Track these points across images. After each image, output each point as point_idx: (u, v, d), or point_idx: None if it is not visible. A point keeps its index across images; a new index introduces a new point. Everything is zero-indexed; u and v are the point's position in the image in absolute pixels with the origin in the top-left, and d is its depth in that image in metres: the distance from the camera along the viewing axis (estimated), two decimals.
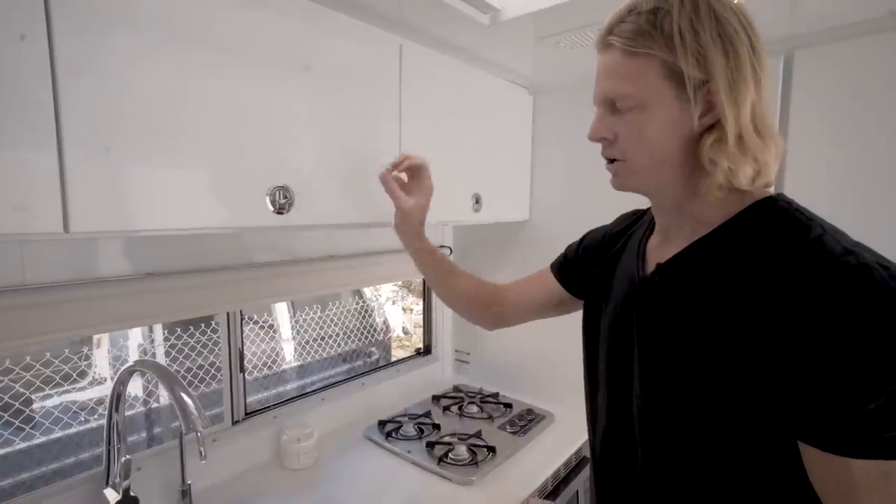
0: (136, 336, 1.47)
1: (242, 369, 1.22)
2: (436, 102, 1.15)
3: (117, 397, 0.88)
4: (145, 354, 1.45)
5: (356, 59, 0.95)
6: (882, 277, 0.43)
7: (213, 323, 1.59)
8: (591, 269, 0.77)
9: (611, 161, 0.60)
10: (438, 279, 1.02)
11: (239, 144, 0.79)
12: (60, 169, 0.60)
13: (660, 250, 0.62)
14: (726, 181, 0.52)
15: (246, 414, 1.23)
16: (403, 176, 0.98)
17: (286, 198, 0.86)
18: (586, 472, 1.37)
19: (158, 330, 1.48)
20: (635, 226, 0.73)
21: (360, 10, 0.95)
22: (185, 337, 1.53)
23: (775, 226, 0.51)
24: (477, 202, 1.32)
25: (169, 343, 1.50)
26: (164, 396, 1.47)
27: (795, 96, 1.07)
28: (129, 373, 0.88)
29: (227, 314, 1.17)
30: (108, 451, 0.90)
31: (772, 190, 0.56)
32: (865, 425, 0.42)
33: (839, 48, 1.02)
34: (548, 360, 1.59)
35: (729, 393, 0.50)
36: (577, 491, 1.32)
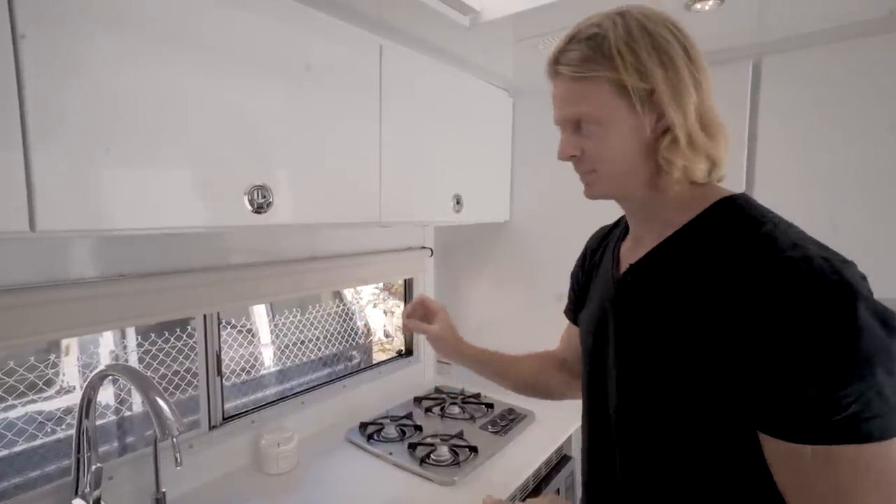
0: (107, 342, 1.42)
1: (220, 373, 1.19)
2: (416, 103, 1.15)
3: (87, 403, 0.85)
4: (118, 361, 1.41)
5: (336, 58, 0.95)
6: (821, 268, 0.45)
7: (188, 328, 1.55)
8: (580, 287, 0.81)
9: (582, 174, 0.64)
10: (501, 375, 0.98)
11: (216, 143, 0.78)
12: (27, 167, 0.58)
13: (632, 252, 0.66)
14: (683, 177, 0.56)
15: (224, 419, 1.21)
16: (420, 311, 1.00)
17: (264, 197, 0.85)
18: (567, 469, 1.38)
19: (132, 335, 1.44)
20: (610, 235, 0.76)
21: (341, 9, 0.94)
22: (160, 342, 1.49)
23: (732, 224, 0.55)
24: (458, 203, 1.32)
25: (143, 349, 1.46)
26: (137, 404, 1.43)
27: (763, 99, 1.11)
28: (101, 377, 0.85)
29: (205, 317, 1.15)
30: (78, 459, 0.87)
31: (735, 189, 0.59)
32: (810, 412, 0.44)
33: (805, 55, 1.06)
34: None
35: (694, 385, 0.53)
36: (559, 489, 1.33)
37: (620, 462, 0.64)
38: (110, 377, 0.97)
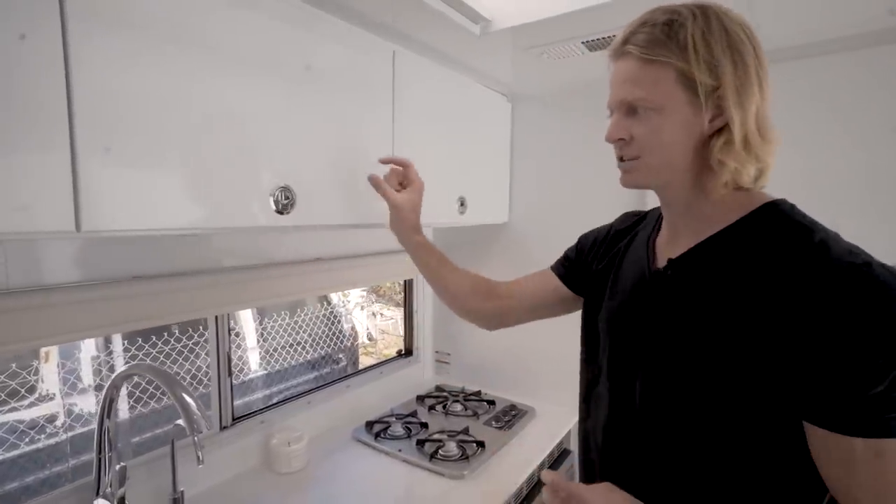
0: (89, 348, 1.40)
1: (230, 373, 1.20)
2: (425, 107, 1.18)
3: (109, 402, 0.85)
4: (101, 367, 1.39)
5: (352, 63, 0.98)
6: (883, 275, 0.49)
7: (175, 332, 1.54)
8: (594, 264, 0.80)
9: (623, 160, 0.63)
10: (438, 274, 1.01)
11: (235, 146, 0.79)
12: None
13: (670, 246, 0.66)
14: (732, 180, 0.57)
15: (233, 419, 1.21)
16: (394, 176, 1.00)
17: (287, 198, 0.87)
18: (568, 462, 1.43)
19: (118, 340, 1.42)
20: (640, 225, 0.77)
21: (357, 16, 0.97)
22: (147, 347, 1.48)
23: (782, 228, 0.56)
24: (462, 205, 1.36)
25: (129, 354, 1.44)
26: (123, 411, 1.41)
27: None
28: (124, 377, 0.86)
29: (216, 318, 1.15)
30: (99, 459, 0.87)
31: (773, 195, 0.61)
32: (868, 408, 0.47)
33: (794, 66, 1.13)
34: (526, 358, 1.65)
35: (739, 378, 0.54)
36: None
37: (650, 451, 0.63)
38: (133, 377, 0.96)
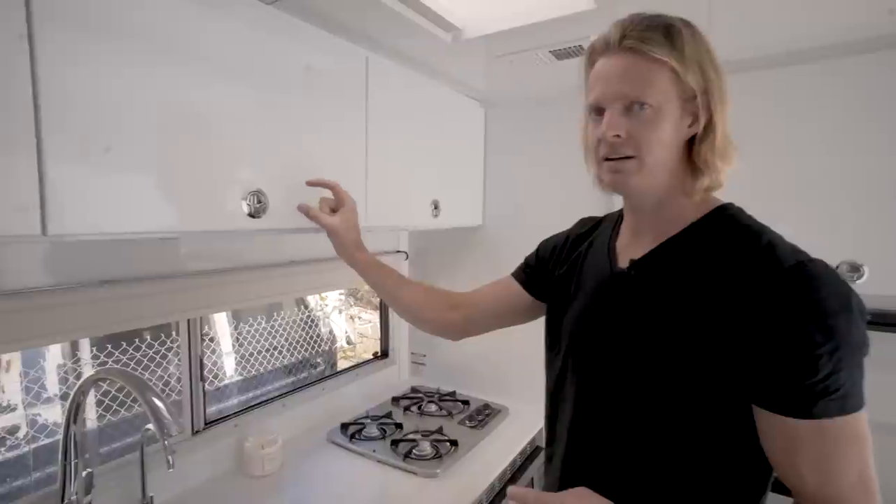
0: (55, 356, 1.36)
1: (202, 377, 1.19)
2: (398, 112, 1.20)
3: (76, 408, 0.84)
4: (67, 376, 1.35)
5: (326, 70, 0.99)
6: (823, 273, 0.54)
7: (147, 338, 1.51)
8: (555, 269, 0.83)
9: (613, 159, 0.62)
10: (391, 290, 1.00)
11: (206, 151, 0.80)
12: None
13: (630, 248, 0.70)
14: (713, 182, 0.61)
15: (206, 423, 1.20)
16: (325, 203, 0.98)
17: (260, 202, 0.87)
18: (540, 459, 1.46)
19: (86, 347, 1.39)
20: (598, 229, 0.81)
21: (331, 23, 0.99)
22: (118, 354, 1.45)
23: (734, 231, 0.61)
24: (436, 208, 1.38)
25: (98, 361, 1.41)
26: (90, 419, 1.38)
27: None
28: (92, 382, 0.85)
29: (188, 322, 1.15)
30: (65, 466, 0.85)
31: (721, 198, 0.66)
32: (810, 394, 0.52)
33: (750, 76, 1.19)
34: (500, 358, 1.68)
35: (699, 368, 0.58)
36: (533, 478, 1.41)
37: (617, 443, 0.66)
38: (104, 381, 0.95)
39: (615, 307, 0.68)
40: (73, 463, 0.85)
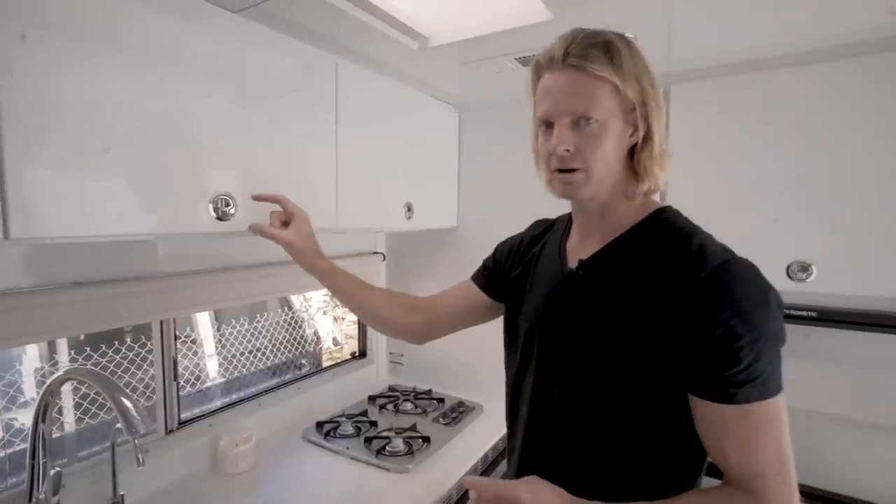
0: (32, 360, 1.36)
1: (176, 378, 1.21)
2: (369, 117, 1.23)
3: (45, 408, 0.86)
4: (45, 379, 1.35)
5: (293, 74, 1.02)
6: (748, 269, 0.59)
7: (127, 340, 1.52)
8: (511, 271, 0.87)
9: (566, 171, 0.66)
10: (354, 297, 1.00)
11: (174, 155, 0.82)
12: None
13: (579, 249, 0.74)
14: (652, 186, 0.66)
15: (180, 423, 1.22)
16: (276, 218, 0.98)
17: (228, 205, 0.90)
18: None
19: (64, 350, 1.39)
20: (550, 231, 0.85)
21: (300, 30, 1.01)
22: (96, 356, 1.45)
23: (670, 232, 0.67)
24: (409, 210, 1.41)
25: (77, 364, 1.41)
26: (68, 423, 1.38)
27: (673, 121, 1.29)
28: (61, 382, 0.86)
29: (161, 322, 1.16)
30: (33, 465, 0.86)
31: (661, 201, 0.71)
32: (735, 382, 0.57)
33: (707, 84, 1.25)
34: (475, 357, 1.70)
35: (639, 362, 0.63)
36: (503, 473, 1.44)
37: (568, 432, 0.70)
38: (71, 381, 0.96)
39: (565, 305, 0.72)
40: (41, 462, 0.87)
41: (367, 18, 0.96)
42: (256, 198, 0.94)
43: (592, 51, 0.63)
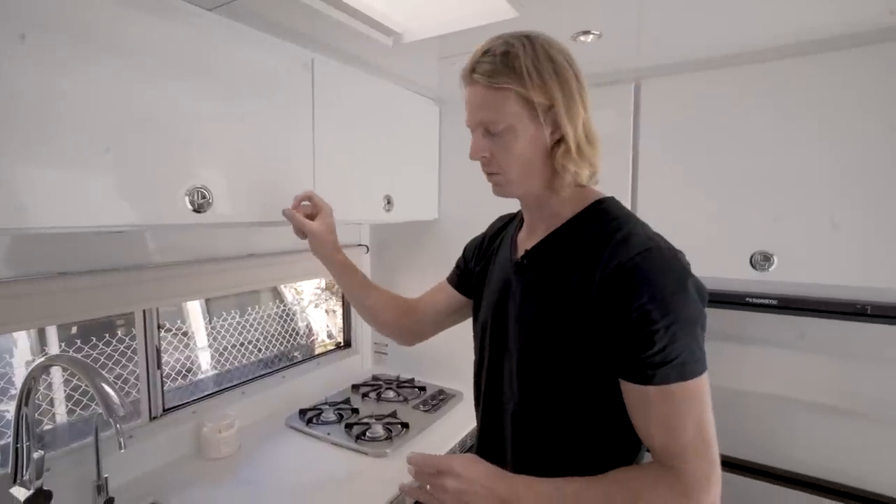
0: (23, 352, 1.39)
1: (159, 366, 1.24)
2: (347, 111, 1.26)
3: (28, 392, 0.89)
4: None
5: (272, 70, 1.04)
6: (667, 255, 0.63)
7: (118, 333, 1.54)
8: (476, 267, 0.92)
9: (490, 174, 0.74)
10: (358, 292, 1.07)
11: (155, 146, 0.85)
12: None
13: (527, 240, 0.79)
14: (573, 180, 0.70)
15: (164, 410, 1.25)
16: (303, 212, 1.06)
17: (204, 197, 0.93)
18: None
19: (54, 341, 1.42)
20: (508, 226, 0.89)
21: (276, 26, 1.04)
22: (87, 349, 1.48)
23: (602, 222, 0.70)
24: (388, 203, 1.44)
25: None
26: (60, 414, 1.41)
27: (644, 115, 1.33)
28: (43, 367, 0.89)
29: (144, 312, 1.19)
30: (17, 448, 0.90)
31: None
32: (651, 364, 0.60)
33: (677, 79, 1.28)
34: (458, 346, 1.72)
35: (574, 347, 0.66)
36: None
37: (512, 415, 0.76)
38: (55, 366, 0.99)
39: (513, 296, 0.76)
40: (24, 445, 0.90)
41: (339, 16, 0.98)
42: (289, 211, 1.03)
43: (491, 63, 0.66)
